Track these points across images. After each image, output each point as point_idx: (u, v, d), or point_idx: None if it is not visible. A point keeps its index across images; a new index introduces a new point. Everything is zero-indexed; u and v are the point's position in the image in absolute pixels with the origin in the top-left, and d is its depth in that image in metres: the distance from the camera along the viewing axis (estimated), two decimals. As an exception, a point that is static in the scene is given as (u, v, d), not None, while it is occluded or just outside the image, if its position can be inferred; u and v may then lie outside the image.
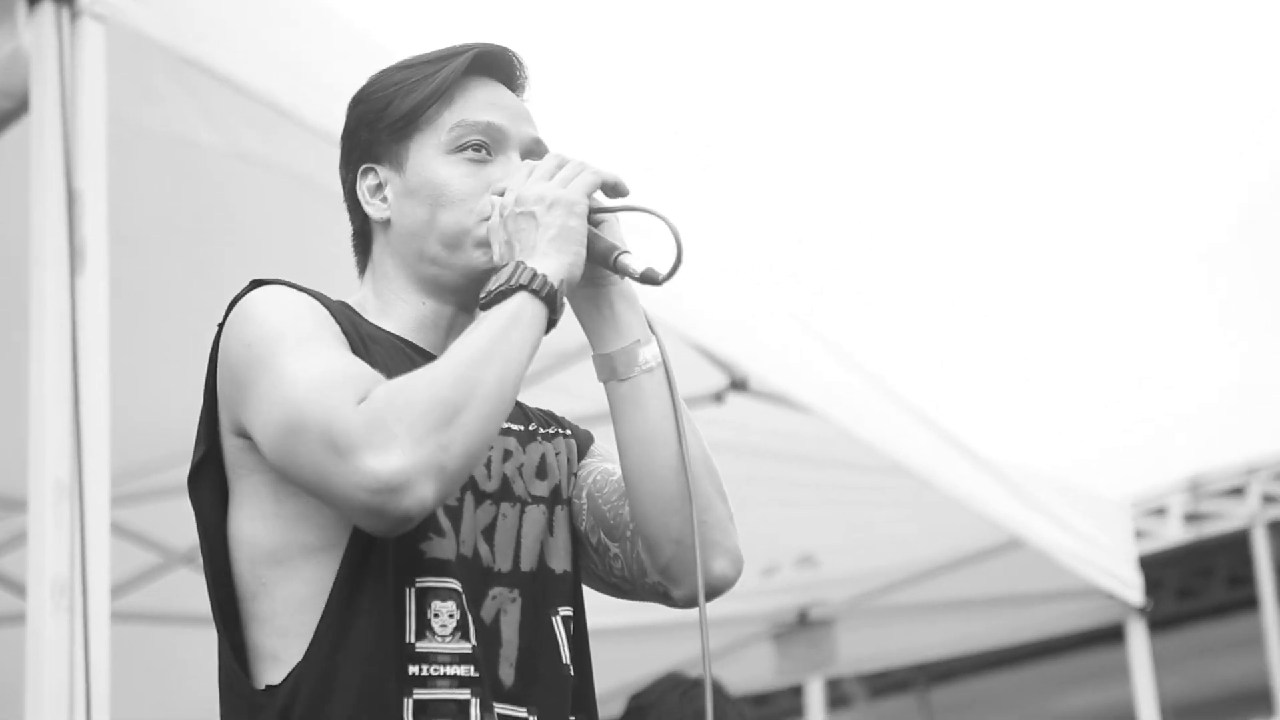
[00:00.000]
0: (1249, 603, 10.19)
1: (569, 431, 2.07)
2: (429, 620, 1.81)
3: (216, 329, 1.88)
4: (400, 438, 1.69)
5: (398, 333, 1.94)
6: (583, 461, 2.05)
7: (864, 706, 11.96)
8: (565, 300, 1.87)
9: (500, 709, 1.84)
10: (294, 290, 1.88)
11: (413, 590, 1.82)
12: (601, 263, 1.91)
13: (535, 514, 1.95)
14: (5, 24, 2.90)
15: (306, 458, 1.72)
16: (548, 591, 1.94)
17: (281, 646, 1.81)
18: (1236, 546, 10.17)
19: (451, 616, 1.82)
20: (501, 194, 1.92)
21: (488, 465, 1.91)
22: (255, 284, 1.88)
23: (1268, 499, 9.99)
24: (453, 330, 1.97)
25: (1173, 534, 10.21)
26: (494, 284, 1.83)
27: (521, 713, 1.87)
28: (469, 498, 1.88)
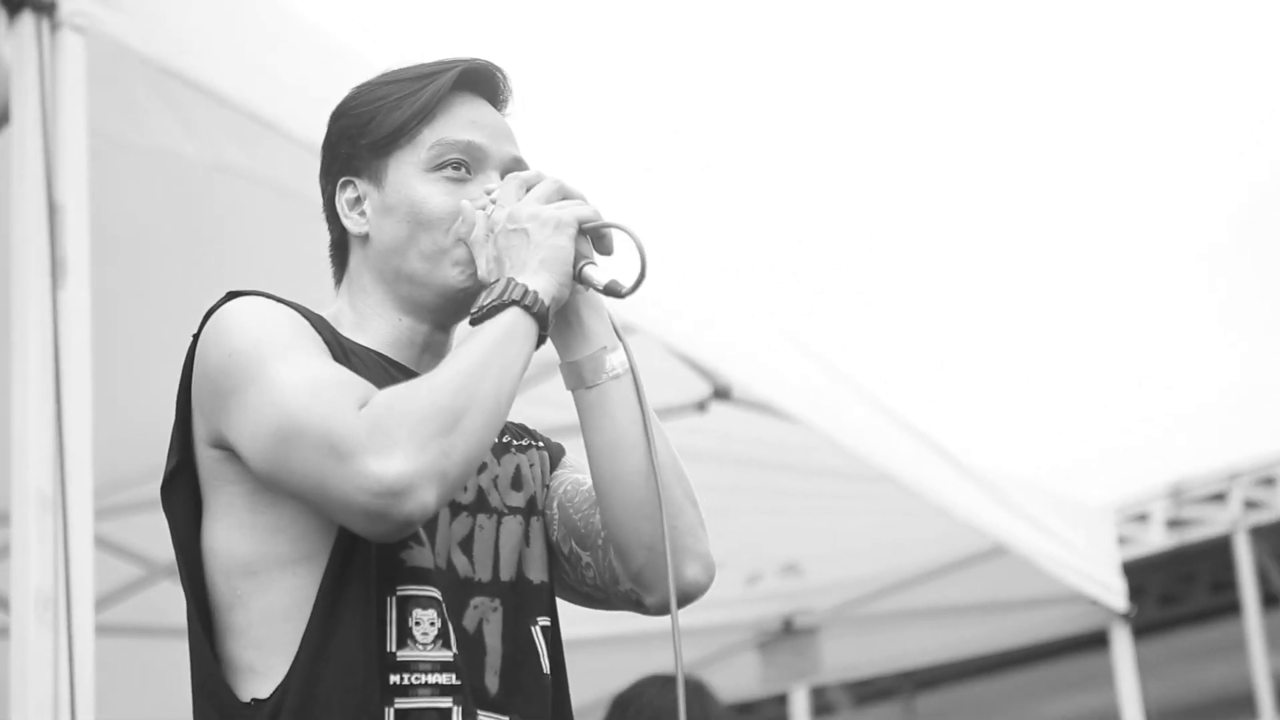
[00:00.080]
0: (1231, 608, 10.22)
1: (541, 443, 2.09)
2: (410, 628, 1.82)
3: (191, 339, 1.88)
4: (403, 443, 1.70)
5: (374, 348, 1.95)
6: (554, 473, 2.06)
7: (849, 714, 11.96)
8: (554, 319, 1.88)
9: (484, 717, 1.85)
10: (272, 301, 1.88)
11: (393, 599, 1.82)
12: None
13: (512, 525, 1.96)
14: (-15, 36, 2.90)
15: (302, 463, 1.73)
16: (527, 601, 1.95)
17: (258, 658, 1.81)
18: (1219, 552, 10.20)
19: (433, 624, 1.83)
20: (484, 207, 1.93)
21: None
22: (231, 295, 1.89)
23: (1249, 504, 10.02)
24: (428, 348, 1.98)
25: (1155, 540, 10.23)
26: (486, 299, 1.85)
27: None
28: (444, 510, 1.88)
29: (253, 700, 1.80)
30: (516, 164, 2.00)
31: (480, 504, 1.93)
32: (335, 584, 1.80)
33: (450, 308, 1.97)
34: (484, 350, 1.79)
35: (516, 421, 2.09)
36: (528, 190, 1.93)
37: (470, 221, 1.92)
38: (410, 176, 1.96)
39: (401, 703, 1.80)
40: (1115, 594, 6.03)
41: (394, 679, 1.80)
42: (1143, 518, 10.32)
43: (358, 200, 1.99)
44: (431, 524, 1.86)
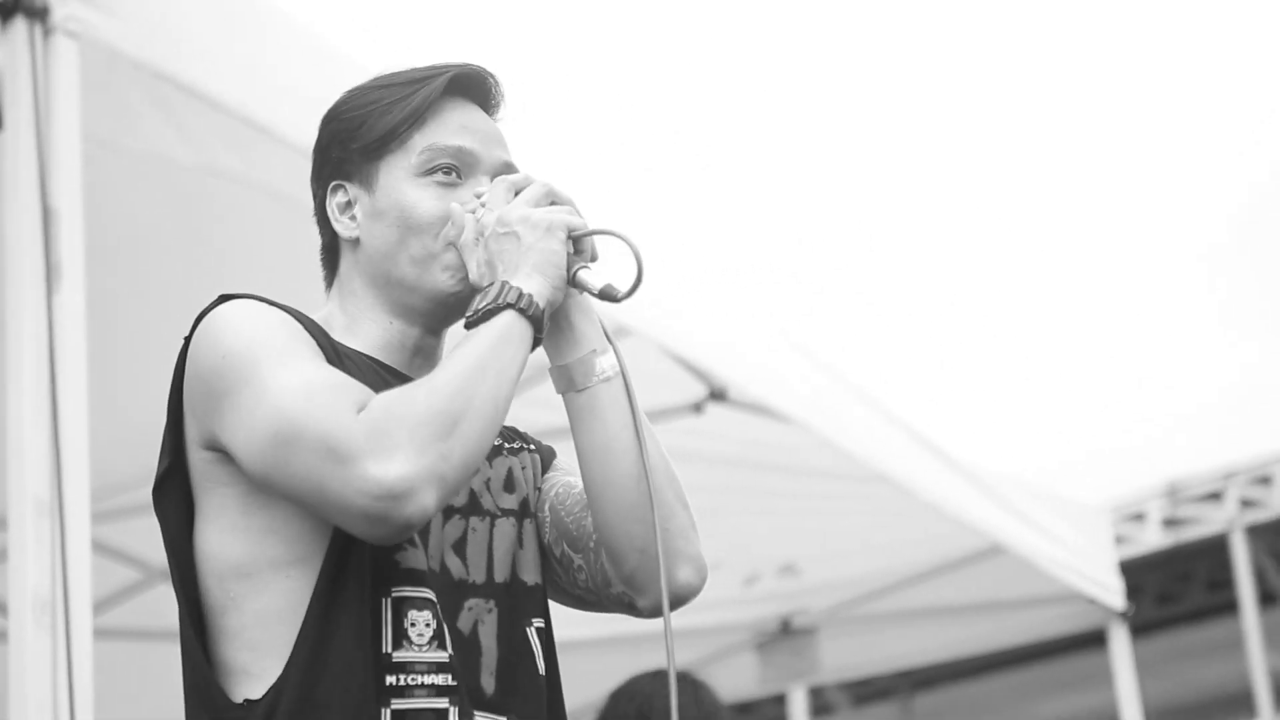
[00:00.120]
0: (1229, 607, 10.23)
1: (533, 446, 2.09)
2: (405, 629, 1.82)
3: (183, 342, 1.88)
4: (403, 446, 1.70)
5: (365, 351, 1.95)
6: (545, 475, 2.06)
7: (847, 714, 11.96)
8: (549, 321, 1.88)
9: (480, 718, 1.85)
10: (265, 304, 1.88)
11: (389, 600, 1.82)
12: None
13: (505, 527, 1.97)
14: (-22, 42, 2.90)
15: (301, 466, 1.73)
16: (521, 603, 1.95)
17: (251, 660, 1.81)
18: (1215, 551, 10.21)
19: (428, 625, 1.83)
20: (473, 209, 1.93)
21: None
22: (224, 298, 1.89)
23: (1245, 503, 10.03)
24: (419, 352, 1.98)
25: (1152, 539, 10.25)
26: (480, 302, 1.85)
27: None
28: (436, 513, 1.88)
29: (245, 701, 1.80)
30: (507, 169, 2.00)
31: (473, 507, 1.94)
32: (331, 586, 1.80)
33: (440, 312, 1.97)
34: (480, 354, 1.80)
35: (508, 424, 2.09)
36: (517, 193, 1.93)
37: (459, 225, 1.93)
38: (401, 181, 1.96)
39: (398, 703, 1.80)
40: (1113, 593, 6.04)
41: (390, 680, 1.80)
42: (1139, 517, 10.33)
43: (348, 204, 1.99)
44: (424, 527, 1.86)
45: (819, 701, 10.71)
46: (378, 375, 1.90)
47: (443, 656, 1.83)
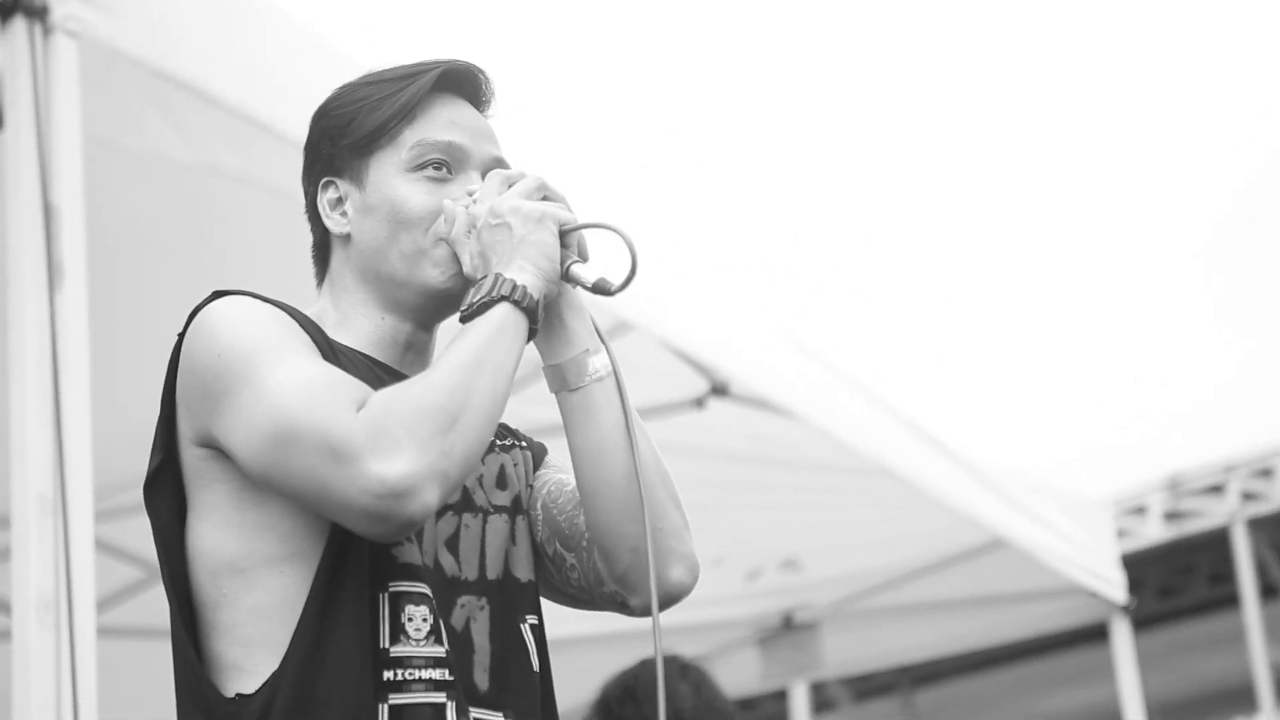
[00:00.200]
0: (1230, 600, 10.23)
1: (524, 443, 2.09)
2: (403, 624, 1.82)
3: (176, 338, 1.88)
4: (405, 444, 1.70)
5: (358, 348, 1.95)
6: (537, 473, 2.07)
7: (849, 710, 11.97)
8: (543, 312, 1.88)
9: (475, 713, 1.86)
10: (259, 300, 1.88)
11: (386, 595, 1.82)
12: None
13: (498, 524, 1.97)
14: (-23, 41, 2.90)
15: (302, 465, 1.73)
16: (515, 600, 1.96)
17: (244, 656, 1.81)
18: (1217, 544, 10.20)
19: (425, 620, 1.83)
20: (466, 205, 1.93)
21: None
22: (217, 294, 1.88)
23: (1247, 496, 10.02)
24: (411, 347, 1.98)
25: (1153, 533, 10.24)
26: (475, 296, 1.85)
27: (497, 717, 1.88)
28: None
29: (237, 695, 1.80)
30: (498, 164, 2.00)
31: (465, 503, 1.94)
32: (329, 581, 1.80)
33: (431, 307, 1.97)
34: (477, 347, 1.80)
35: (500, 421, 2.10)
36: (509, 187, 1.93)
37: (451, 219, 1.92)
38: (391, 176, 1.96)
39: (396, 698, 1.80)
40: (1115, 586, 6.04)
41: (388, 675, 1.80)
42: (1140, 510, 10.32)
43: (339, 201, 1.99)
44: None
45: (820, 697, 10.72)
46: (372, 372, 1.90)
47: (440, 651, 1.83)
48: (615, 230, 1.89)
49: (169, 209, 3.77)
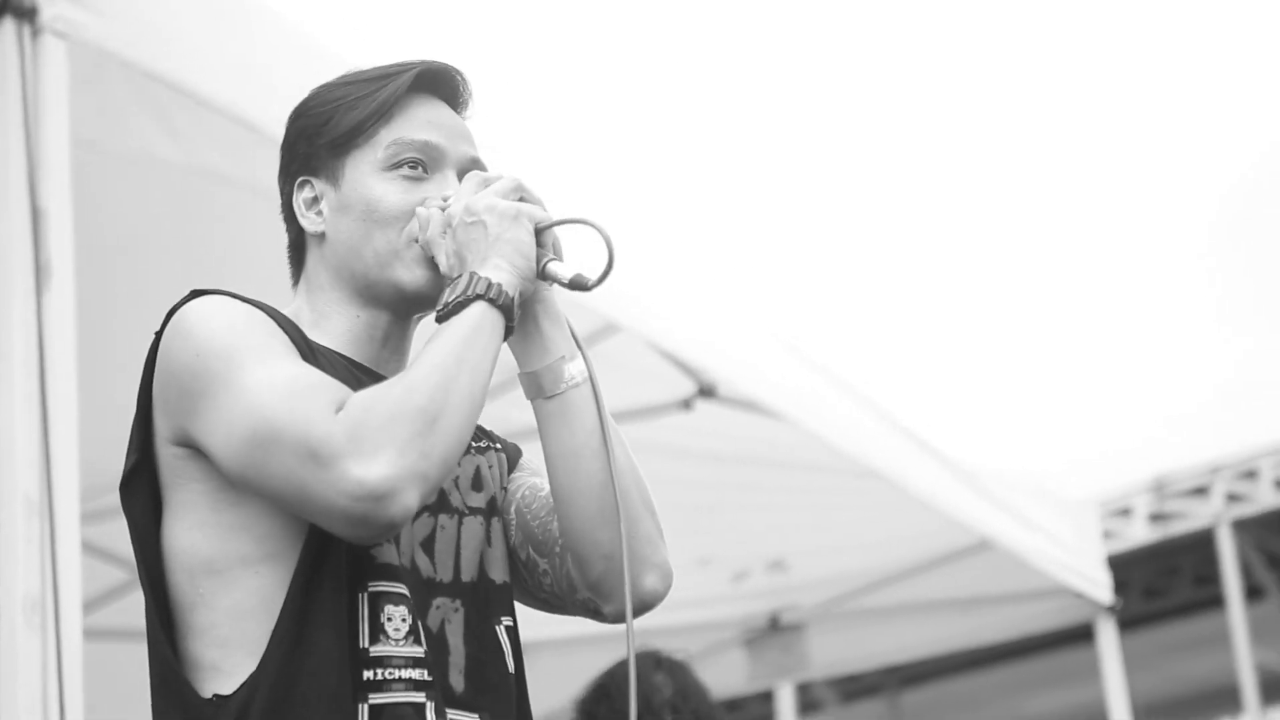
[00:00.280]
0: (1215, 601, 10.26)
1: (499, 445, 2.08)
2: (382, 624, 1.82)
3: (154, 337, 1.88)
4: (384, 446, 1.70)
5: (334, 348, 1.94)
6: (512, 475, 2.06)
7: (835, 711, 11.98)
8: (520, 310, 1.88)
9: (452, 715, 1.85)
10: (238, 300, 1.87)
11: (365, 595, 1.82)
12: None
13: (473, 525, 1.96)
14: (-35, 43, 2.89)
15: (280, 467, 1.72)
16: (490, 601, 1.95)
17: (221, 657, 1.81)
18: (1201, 545, 10.23)
19: (404, 621, 1.83)
20: (441, 206, 1.93)
21: None
22: (195, 293, 1.88)
23: (1232, 498, 10.05)
24: (388, 341, 1.98)
25: (1138, 534, 10.27)
26: (450, 295, 1.84)
27: (473, 719, 1.88)
28: None
29: (215, 696, 1.79)
30: (474, 165, 2.00)
31: (441, 504, 1.93)
32: (307, 581, 1.79)
33: (404, 306, 1.97)
34: (453, 347, 1.79)
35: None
36: (486, 188, 1.93)
37: (425, 223, 1.92)
38: (367, 175, 1.96)
39: (376, 698, 1.79)
40: (1100, 587, 6.05)
41: (367, 674, 1.80)
42: (1126, 512, 10.35)
43: (315, 200, 1.99)
44: None
45: (807, 698, 10.73)
46: (350, 373, 1.89)
47: (419, 652, 1.83)
48: (591, 224, 1.88)
49: (157, 210, 3.77)
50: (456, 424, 1.76)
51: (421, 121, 1.98)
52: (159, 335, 1.87)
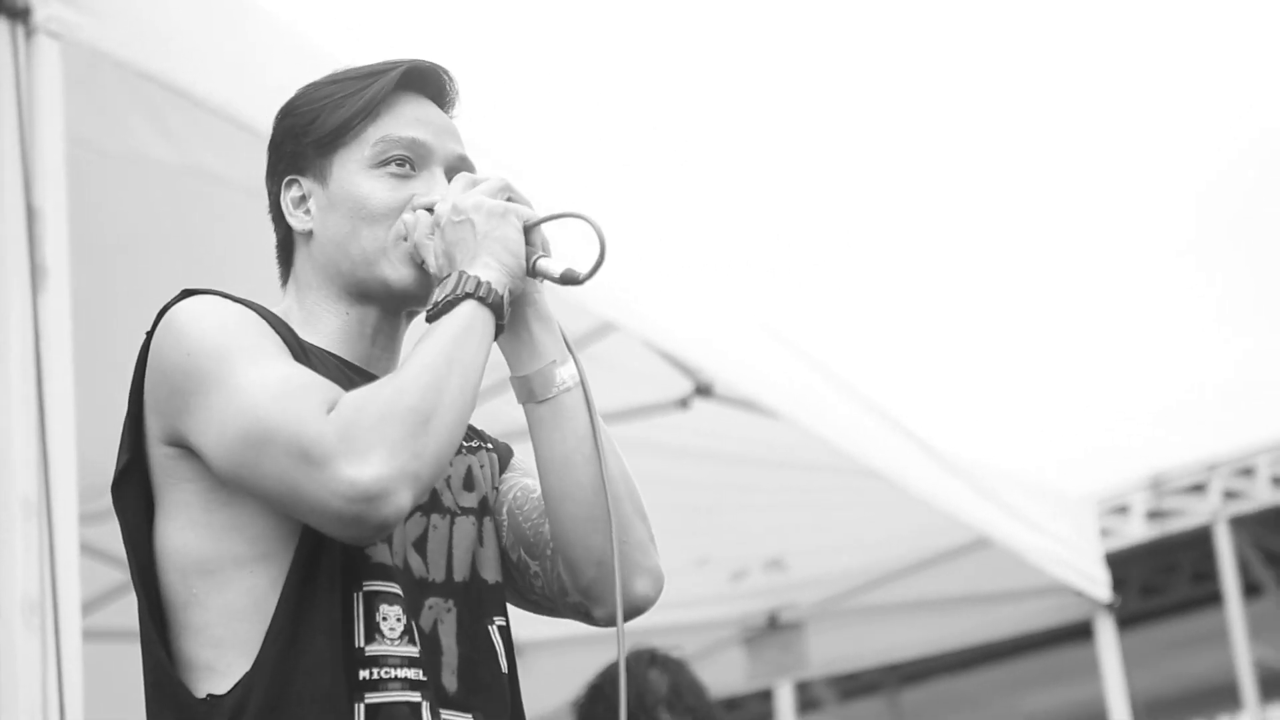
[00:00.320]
0: (1213, 598, 10.26)
1: (490, 445, 2.09)
2: (377, 623, 1.82)
3: (145, 336, 1.88)
4: (376, 446, 1.69)
5: (325, 347, 1.94)
6: (503, 475, 2.06)
7: (834, 709, 11.98)
8: (510, 307, 1.87)
9: (445, 715, 1.85)
10: (229, 299, 1.87)
11: (360, 594, 1.82)
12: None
13: (465, 525, 1.96)
14: (-41, 43, 2.89)
15: (272, 467, 1.72)
16: (483, 601, 1.95)
17: (215, 657, 1.80)
18: (1199, 542, 10.23)
19: (399, 620, 1.83)
20: (428, 209, 1.93)
21: None
22: (186, 293, 1.88)
23: (1229, 495, 10.05)
24: (377, 338, 1.98)
25: (1135, 531, 10.27)
26: (440, 294, 1.84)
27: (466, 719, 1.88)
28: None
29: (208, 696, 1.79)
30: (461, 161, 2.00)
31: (433, 504, 1.93)
32: (301, 581, 1.79)
33: (392, 303, 1.97)
34: (444, 347, 1.79)
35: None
36: (474, 188, 1.93)
37: (412, 226, 1.92)
38: (354, 173, 1.96)
39: (372, 697, 1.79)
40: (1099, 585, 6.05)
41: (363, 674, 1.80)
42: (1123, 509, 10.35)
43: (303, 198, 1.99)
44: None
45: (806, 696, 10.73)
46: (342, 373, 1.89)
47: (414, 651, 1.83)
48: (581, 216, 1.88)
49: (152, 210, 3.77)
50: (449, 423, 1.76)
51: (409, 119, 1.98)
52: (150, 335, 1.87)
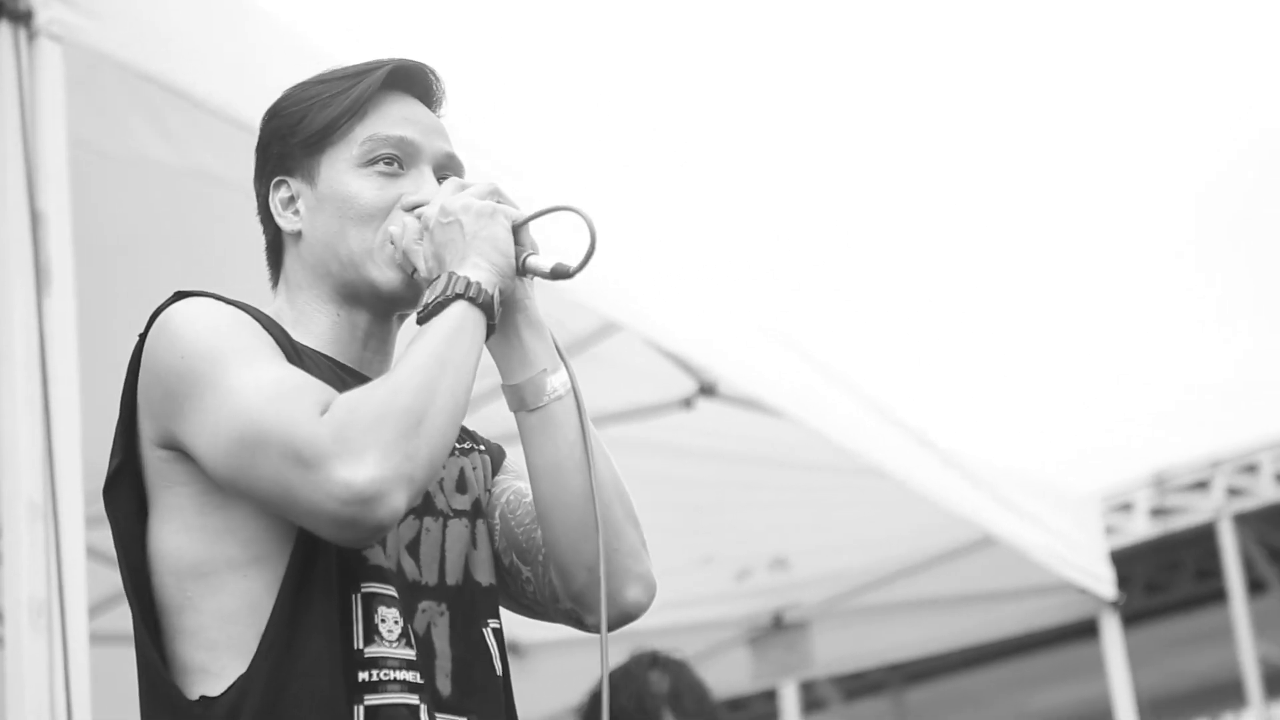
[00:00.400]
0: (1217, 595, 10.25)
1: (482, 446, 2.08)
2: (376, 625, 1.81)
3: (138, 339, 1.87)
4: (370, 448, 1.69)
5: (317, 348, 1.94)
6: (496, 478, 2.06)
7: (839, 709, 11.98)
8: (500, 307, 1.87)
9: (441, 719, 1.85)
10: (222, 301, 1.87)
11: (358, 596, 1.82)
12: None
13: (458, 528, 1.95)
14: (-39, 47, 2.89)
15: (267, 470, 1.71)
16: (476, 604, 1.95)
17: (210, 659, 1.80)
18: (1203, 540, 10.23)
19: (397, 622, 1.83)
20: (413, 209, 1.92)
21: None
22: (180, 295, 1.87)
23: (1233, 492, 10.05)
24: (369, 339, 1.97)
25: (1139, 529, 10.26)
26: (430, 296, 1.84)
27: None
28: None
29: (201, 698, 1.79)
30: (449, 159, 2.00)
31: (426, 507, 1.92)
32: (297, 584, 1.79)
33: (381, 305, 1.96)
34: (436, 348, 1.78)
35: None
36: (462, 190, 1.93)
37: (400, 231, 1.92)
38: (343, 172, 1.95)
39: (371, 699, 1.79)
40: (1104, 582, 6.04)
41: (362, 676, 1.79)
42: (1127, 507, 10.35)
43: (291, 199, 1.99)
44: None
45: (810, 696, 10.73)
46: (335, 374, 1.89)
47: (411, 654, 1.83)
48: (570, 209, 1.88)
49: (155, 212, 3.77)
50: (442, 425, 1.75)
51: (396, 118, 1.98)
52: (143, 337, 1.86)
